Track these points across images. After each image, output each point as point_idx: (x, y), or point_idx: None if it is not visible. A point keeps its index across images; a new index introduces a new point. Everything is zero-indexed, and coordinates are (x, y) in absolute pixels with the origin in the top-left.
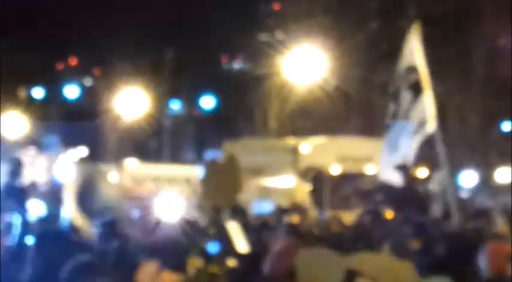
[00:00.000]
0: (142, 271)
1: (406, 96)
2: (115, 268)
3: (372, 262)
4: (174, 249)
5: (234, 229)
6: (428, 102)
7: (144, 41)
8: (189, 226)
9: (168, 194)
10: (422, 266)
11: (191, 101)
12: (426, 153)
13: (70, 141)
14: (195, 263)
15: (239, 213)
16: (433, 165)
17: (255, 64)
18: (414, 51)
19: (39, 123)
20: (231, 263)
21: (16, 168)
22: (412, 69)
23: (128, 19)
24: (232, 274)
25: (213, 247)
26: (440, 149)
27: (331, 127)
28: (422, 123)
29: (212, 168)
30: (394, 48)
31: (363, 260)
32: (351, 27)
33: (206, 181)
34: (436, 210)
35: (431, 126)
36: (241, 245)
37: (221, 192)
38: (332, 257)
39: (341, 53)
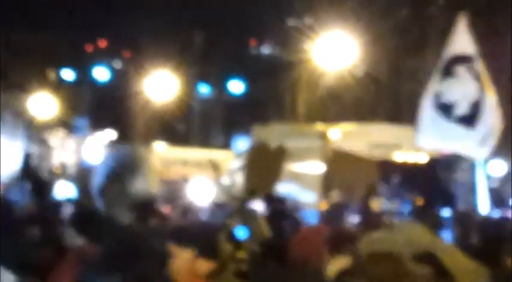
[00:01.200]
0: (178, 258)
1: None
2: (151, 250)
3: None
4: (207, 235)
5: (257, 215)
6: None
7: (174, 23)
8: (219, 210)
9: (199, 179)
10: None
11: (220, 85)
12: None
13: (99, 124)
14: (226, 249)
15: (275, 200)
16: None
17: (284, 49)
18: (464, 40)
19: (69, 106)
20: (257, 248)
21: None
22: (465, 59)
23: (158, 1)
24: (254, 259)
25: (241, 232)
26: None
27: (361, 113)
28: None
29: (259, 152)
30: (424, 35)
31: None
32: (381, 12)
33: (251, 164)
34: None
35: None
36: (266, 230)
37: (264, 177)
38: (397, 241)
39: (371, 39)
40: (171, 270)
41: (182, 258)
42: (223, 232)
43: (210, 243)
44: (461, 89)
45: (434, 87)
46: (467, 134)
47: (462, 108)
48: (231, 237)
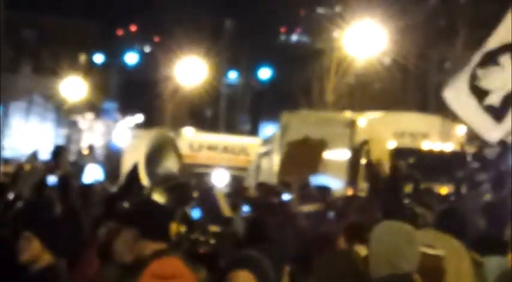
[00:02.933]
0: (119, 238)
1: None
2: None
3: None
4: (155, 215)
5: (219, 195)
6: None
7: (204, 10)
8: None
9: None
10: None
11: (249, 72)
12: None
13: (128, 108)
14: (176, 229)
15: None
16: None
17: (313, 37)
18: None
19: (99, 89)
20: (214, 228)
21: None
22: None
23: None
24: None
25: (195, 213)
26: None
27: (389, 102)
28: None
29: (298, 148)
30: (452, 25)
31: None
32: (410, 2)
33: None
34: None
35: None
36: (226, 211)
37: (300, 170)
38: (411, 231)
39: (400, 28)
40: (114, 249)
41: (124, 238)
42: (177, 213)
43: (159, 223)
44: (500, 79)
45: (472, 68)
46: (492, 124)
47: (494, 99)
48: (185, 218)
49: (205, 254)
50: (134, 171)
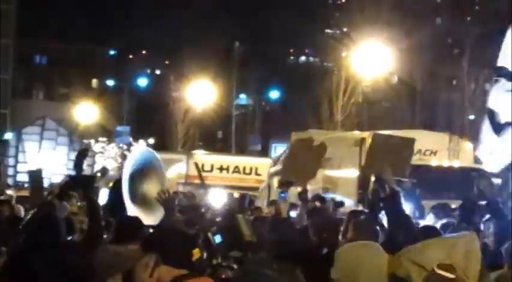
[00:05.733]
0: (140, 264)
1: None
2: None
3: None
4: (178, 240)
5: (242, 220)
6: None
7: (214, 33)
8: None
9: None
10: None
11: (258, 93)
12: None
13: (140, 130)
14: (198, 255)
15: (304, 199)
16: None
17: (321, 57)
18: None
19: (111, 113)
20: (236, 254)
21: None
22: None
23: (200, 13)
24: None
25: (217, 238)
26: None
27: (397, 120)
28: None
29: (300, 146)
30: (459, 43)
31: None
32: (417, 22)
33: (290, 157)
34: None
35: None
36: (249, 236)
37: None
38: (376, 248)
39: (406, 47)
40: (133, 275)
41: (145, 263)
42: (199, 238)
43: (180, 249)
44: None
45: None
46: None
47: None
48: (207, 243)
49: (227, 279)
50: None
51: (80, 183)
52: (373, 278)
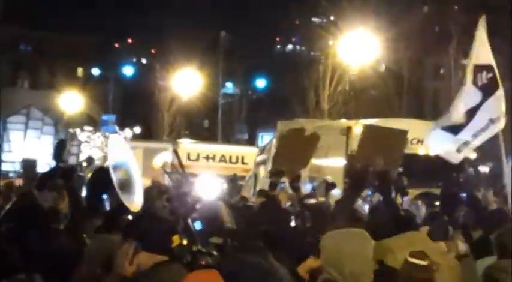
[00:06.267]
0: (120, 251)
1: (473, 93)
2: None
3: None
4: (157, 227)
5: (221, 206)
6: (501, 100)
7: (200, 22)
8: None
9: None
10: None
11: (245, 82)
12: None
13: (126, 119)
14: (178, 241)
15: (294, 188)
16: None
17: (308, 46)
18: (484, 47)
19: (97, 102)
20: (215, 240)
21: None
22: (484, 68)
23: (185, 1)
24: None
25: (197, 225)
26: (502, 144)
27: (384, 108)
28: (493, 121)
29: (292, 136)
30: (445, 32)
31: (414, 240)
32: (403, 10)
33: (283, 146)
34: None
35: (503, 123)
36: (228, 223)
37: (294, 159)
38: (361, 235)
39: (393, 36)
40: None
41: (123, 251)
42: (179, 225)
43: (160, 236)
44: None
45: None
46: (449, 139)
47: (455, 117)
48: (187, 230)
49: (207, 266)
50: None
51: (59, 174)
52: (358, 264)
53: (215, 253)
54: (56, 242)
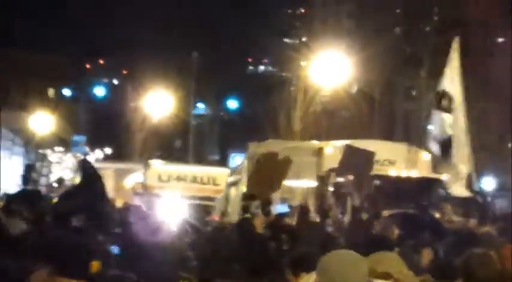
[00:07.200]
0: (35, 275)
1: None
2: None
3: (391, 262)
4: (75, 252)
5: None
6: (461, 119)
7: (172, 43)
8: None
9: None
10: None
11: (216, 103)
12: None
13: (97, 140)
14: (97, 266)
15: (265, 210)
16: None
17: (279, 67)
18: (452, 74)
19: (68, 123)
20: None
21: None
22: (448, 94)
23: (157, 23)
24: None
25: (114, 248)
26: (471, 158)
27: (355, 130)
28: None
29: (267, 159)
30: (417, 53)
31: (382, 260)
32: (375, 32)
33: (256, 170)
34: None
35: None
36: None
37: (266, 183)
38: (356, 257)
39: (365, 58)
40: None
41: (38, 277)
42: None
43: (77, 260)
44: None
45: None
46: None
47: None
48: (105, 254)
49: None
50: None
51: (26, 197)
52: None
53: (135, 278)
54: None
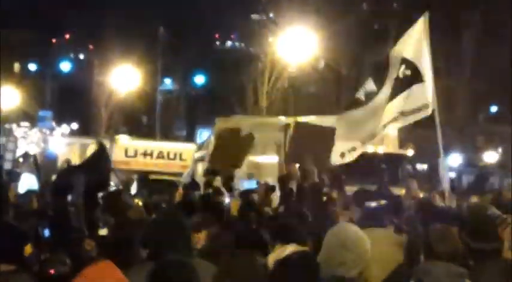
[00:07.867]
0: None
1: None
2: None
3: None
4: (6, 237)
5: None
6: (425, 92)
7: (138, 18)
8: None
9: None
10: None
11: (184, 78)
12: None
13: (63, 115)
14: (29, 250)
15: (227, 186)
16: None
17: (247, 43)
18: (420, 43)
19: (33, 97)
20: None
21: None
22: (410, 62)
23: None
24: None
25: (46, 231)
26: (439, 134)
27: (322, 106)
28: (418, 109)
29: (227, 135)
30: (385, 28)
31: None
32: (343, 7)
33: (219, 146)
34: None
35: (429, 111)
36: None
37: (228, 160)
38: (350, 234)
39: (332, 33)
40: None
41: None
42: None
43: (10, 245)
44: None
45: None
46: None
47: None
48: (38, 238)
49: (58, 276)
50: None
51: None
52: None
53: (68, 261)
54: None
